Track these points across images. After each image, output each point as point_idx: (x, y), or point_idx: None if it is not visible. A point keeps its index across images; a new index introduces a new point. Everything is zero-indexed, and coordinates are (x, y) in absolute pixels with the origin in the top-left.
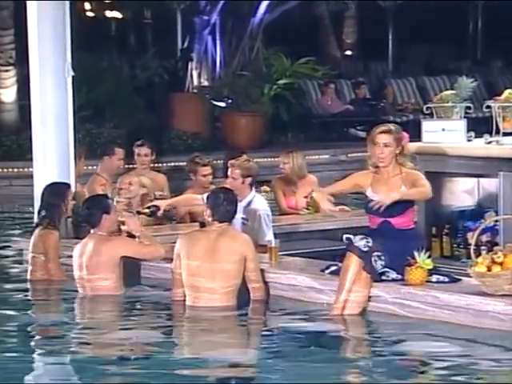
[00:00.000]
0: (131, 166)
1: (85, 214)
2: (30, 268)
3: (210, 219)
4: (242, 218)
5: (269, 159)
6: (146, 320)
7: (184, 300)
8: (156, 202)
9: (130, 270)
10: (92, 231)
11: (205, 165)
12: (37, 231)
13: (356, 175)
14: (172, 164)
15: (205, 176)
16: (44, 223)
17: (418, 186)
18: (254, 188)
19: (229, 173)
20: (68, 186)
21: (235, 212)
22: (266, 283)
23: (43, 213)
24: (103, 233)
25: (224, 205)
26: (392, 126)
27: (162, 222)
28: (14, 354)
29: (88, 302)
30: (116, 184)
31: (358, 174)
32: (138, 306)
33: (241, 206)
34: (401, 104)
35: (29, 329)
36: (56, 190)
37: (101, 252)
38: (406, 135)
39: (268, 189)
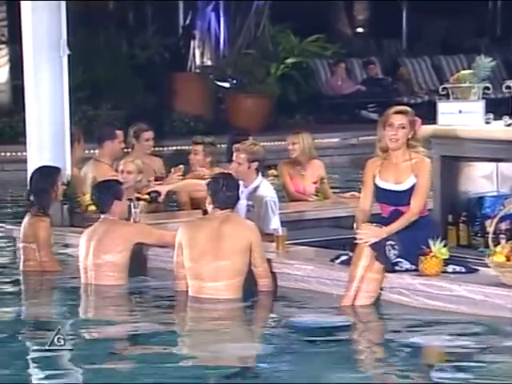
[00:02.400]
0: (128, 150)
1: (95, 199)
2: (21, 258)
3: (211, 206)
4: (248, 205)
5: (276, 142)
6: (147, 311)
7: (187, 290)
8: (157, 188)
9: (133, 260)
10: (102, 216)
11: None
12: (27, 219)
13: (367, 170)
14: (174, 148)
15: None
16: (34, 210)
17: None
18: (260, 173)
19: (234, 157)
20: (58, 169)
21: (237, 198)
22: (272, 273)
23: (32, 199)
24: (114, 218)
25: (224, 191)
26: (407, 108)
27: (162, 209)
28: (7, 350)
29: (86, 293)
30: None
31: (367, 166)
32: (140, 298)
33: (247, 191)
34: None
35: (21, 323)
36: (45, 175)
37: (113, 235)
38: (418, 120)
39: (275, 173)
